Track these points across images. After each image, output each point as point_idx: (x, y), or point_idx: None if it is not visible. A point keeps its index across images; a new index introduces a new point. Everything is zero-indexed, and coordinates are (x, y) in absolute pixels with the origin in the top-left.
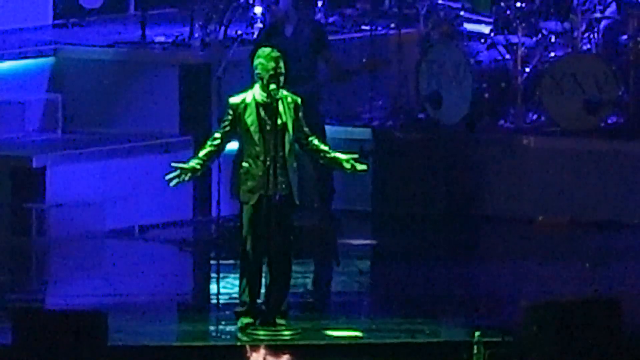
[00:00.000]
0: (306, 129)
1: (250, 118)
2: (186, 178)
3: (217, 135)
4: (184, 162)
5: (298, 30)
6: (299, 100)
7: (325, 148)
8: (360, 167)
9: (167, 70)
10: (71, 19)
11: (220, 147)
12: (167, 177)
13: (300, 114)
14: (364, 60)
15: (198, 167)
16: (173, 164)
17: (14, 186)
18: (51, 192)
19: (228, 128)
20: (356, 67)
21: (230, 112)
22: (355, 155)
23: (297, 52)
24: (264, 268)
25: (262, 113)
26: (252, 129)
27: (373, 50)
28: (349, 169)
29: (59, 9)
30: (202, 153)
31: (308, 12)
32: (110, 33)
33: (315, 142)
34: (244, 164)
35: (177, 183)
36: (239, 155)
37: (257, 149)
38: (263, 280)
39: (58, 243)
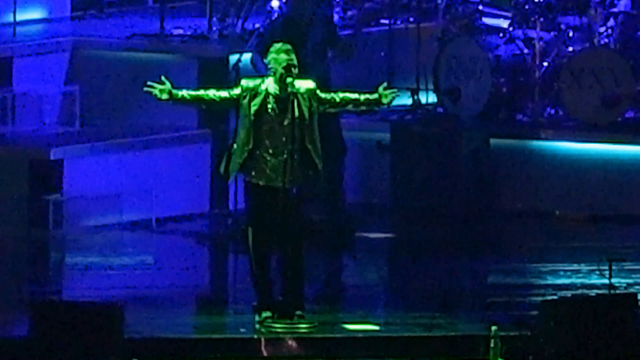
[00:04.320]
0: (328, 96)
1: (255, 107)
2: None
3: (211, 92)
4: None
5: (310, 23)
6: (313, 85)
7: (356, 96)
8: (390, 94)
9: (185, 62)
10: (89, 11)
11: (200, 99)
12: (146, 87)
13: (320, 95)
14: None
15: (171, 95)
16: (149, 82)
17: (32, 178)
18: (68, 184)
19: (225, 96)
20: None
21: (239, 91)
22: (385, 84)
23: (307, 45)
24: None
25: (275, 106)
26: (257, 118)
27: (392, 44)
28: (387, 102)
29: (77, 1)
30: (185, 91)
31: (323, 6)
32: (129, 25)
33: (342, 96)
34: (248, 150)
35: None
36: (235, 138)
37: (269, 141)
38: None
39: (75, 235)
